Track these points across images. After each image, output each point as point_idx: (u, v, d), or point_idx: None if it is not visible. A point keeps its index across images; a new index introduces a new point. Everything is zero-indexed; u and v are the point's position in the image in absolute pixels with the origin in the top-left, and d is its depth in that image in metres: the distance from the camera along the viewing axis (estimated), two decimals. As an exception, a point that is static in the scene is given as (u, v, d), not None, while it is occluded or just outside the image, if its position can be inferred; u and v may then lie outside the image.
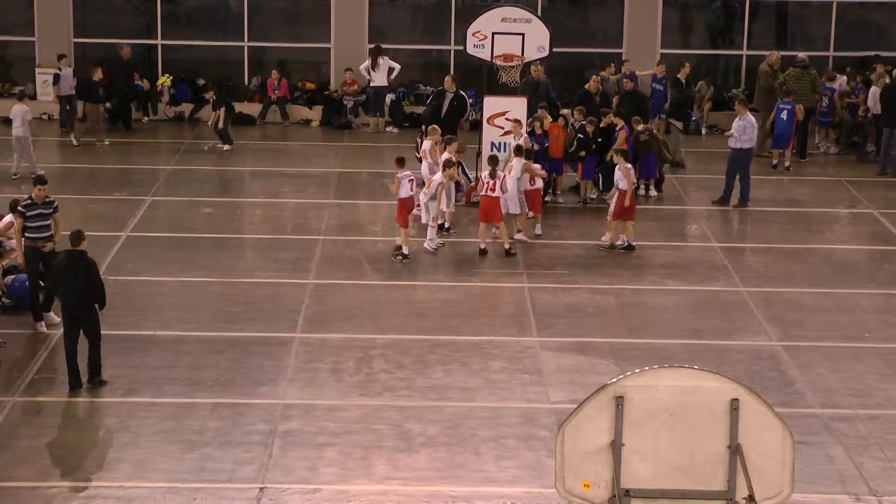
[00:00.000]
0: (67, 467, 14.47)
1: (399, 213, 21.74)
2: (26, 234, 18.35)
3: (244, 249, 22.61)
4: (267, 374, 17.08)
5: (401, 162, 22.38)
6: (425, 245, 22.05)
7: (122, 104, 31.23)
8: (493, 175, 21.88)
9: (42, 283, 18.34)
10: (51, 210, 18.45)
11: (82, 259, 16.52)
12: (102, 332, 16.75)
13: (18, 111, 26.26)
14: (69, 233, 16.79)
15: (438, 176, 22.35)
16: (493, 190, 21.83)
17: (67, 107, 30.45)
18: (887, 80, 28.49)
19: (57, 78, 30.35)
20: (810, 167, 28.83)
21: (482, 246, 21.92)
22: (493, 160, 22.25)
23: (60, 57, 30.74)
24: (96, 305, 16.58)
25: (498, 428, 15.62)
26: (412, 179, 21.98)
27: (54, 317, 18.23)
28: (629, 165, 22.43)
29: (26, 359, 17.42)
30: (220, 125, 29.15)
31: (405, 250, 21.54)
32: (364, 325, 18.87)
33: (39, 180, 18.71)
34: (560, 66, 31.07)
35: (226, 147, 29.11)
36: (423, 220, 22.56)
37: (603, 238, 22.51)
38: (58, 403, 16.18)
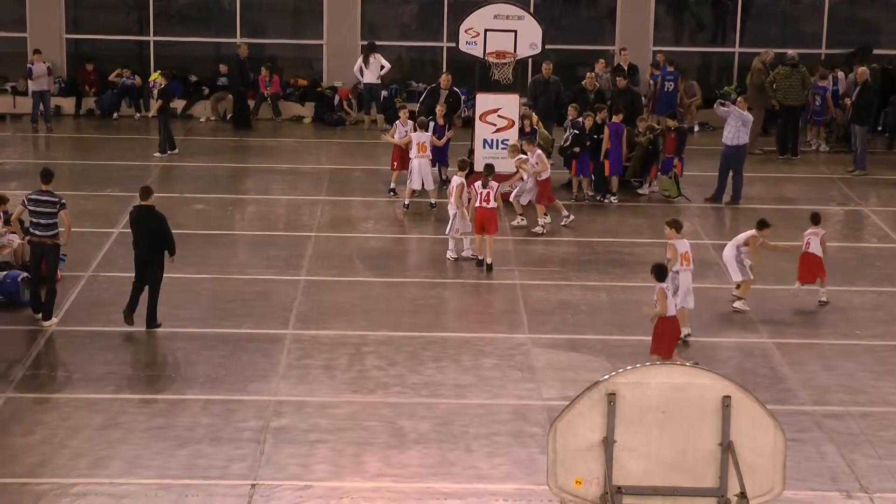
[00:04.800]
0: (58, 464, 14.43)
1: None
2: None
3: (236, 246, 22.58)
4: (259, 370, 17.07)
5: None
6: (448, 255, 21.64)
7: (239, 103, 30.98)
8: (485, 185, 21.14)
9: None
10: None
11: (150, 212, 18.17)
12: (95, 327, 17.27)
13: None
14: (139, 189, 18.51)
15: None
16: (487, 201, 21.09)
17: (40, 102, 30.42)
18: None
19: (30, 72, 30.23)
20: (802, 165, 28.87)
21: (480, 257, 21.32)
22: (490, 168, 21.52)
23: (36, 52, 30.68)
24: (166, 253, 18.15)
25: (490, 425, 15.62)
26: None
27: None
28: (665, 285, 17.24)
29: (18, 355, 17.40)
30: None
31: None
32: (356, 322, 18.86)
33: None
34: (556, 64, 31.00)
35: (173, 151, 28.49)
36: (457, 231, 21.63)
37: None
38: (49, 400, 16.15)
